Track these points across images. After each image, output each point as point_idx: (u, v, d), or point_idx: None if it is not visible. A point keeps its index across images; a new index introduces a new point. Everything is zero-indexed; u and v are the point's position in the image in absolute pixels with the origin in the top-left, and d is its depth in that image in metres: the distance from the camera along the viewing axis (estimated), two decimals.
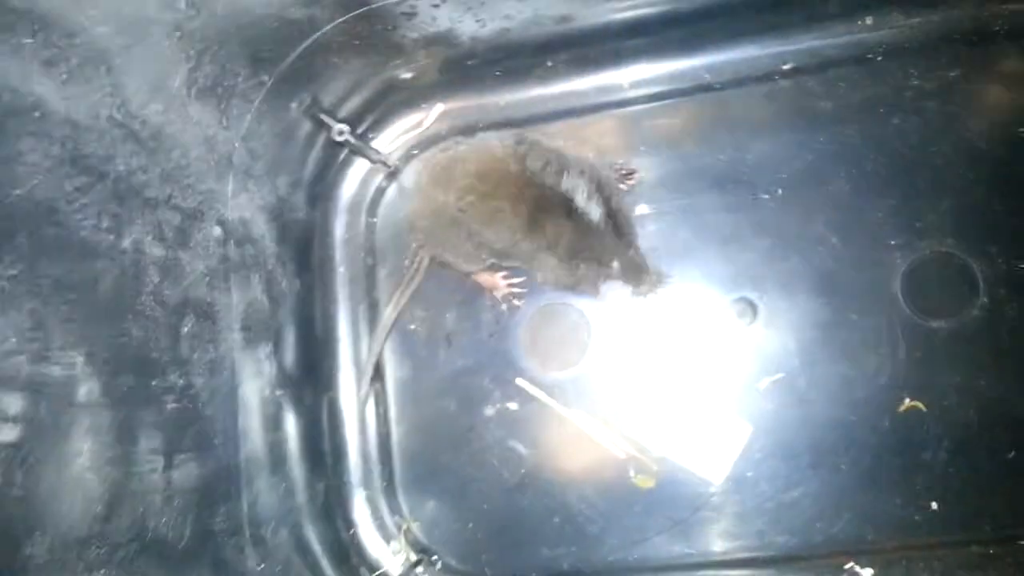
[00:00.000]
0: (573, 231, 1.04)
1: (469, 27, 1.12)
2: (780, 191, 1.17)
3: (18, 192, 0.70)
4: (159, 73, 0.89)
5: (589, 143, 1.23)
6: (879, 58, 1.15)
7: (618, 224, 1.06)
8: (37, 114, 0.73)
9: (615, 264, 1.08)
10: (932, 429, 1.11)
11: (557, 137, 1.23)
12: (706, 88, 1.21)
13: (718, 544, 1.15)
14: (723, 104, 1.21)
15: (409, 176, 1.27)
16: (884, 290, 1.13)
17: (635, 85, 1.23)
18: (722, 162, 1.19)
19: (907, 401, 1.12)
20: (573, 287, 1.14)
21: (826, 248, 1.15)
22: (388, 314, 1.23)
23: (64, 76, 0.76)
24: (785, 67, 1.18)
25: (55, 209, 0.75)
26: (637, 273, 1.10)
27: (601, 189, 1.04)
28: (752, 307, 1.17)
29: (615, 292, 1.19)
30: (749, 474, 1.15)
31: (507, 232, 1.06)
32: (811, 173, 1.16)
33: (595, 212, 1.03)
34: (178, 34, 0.89)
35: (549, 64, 1.22)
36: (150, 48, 0.86)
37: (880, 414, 1.12)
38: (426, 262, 1.21)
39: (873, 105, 1.15)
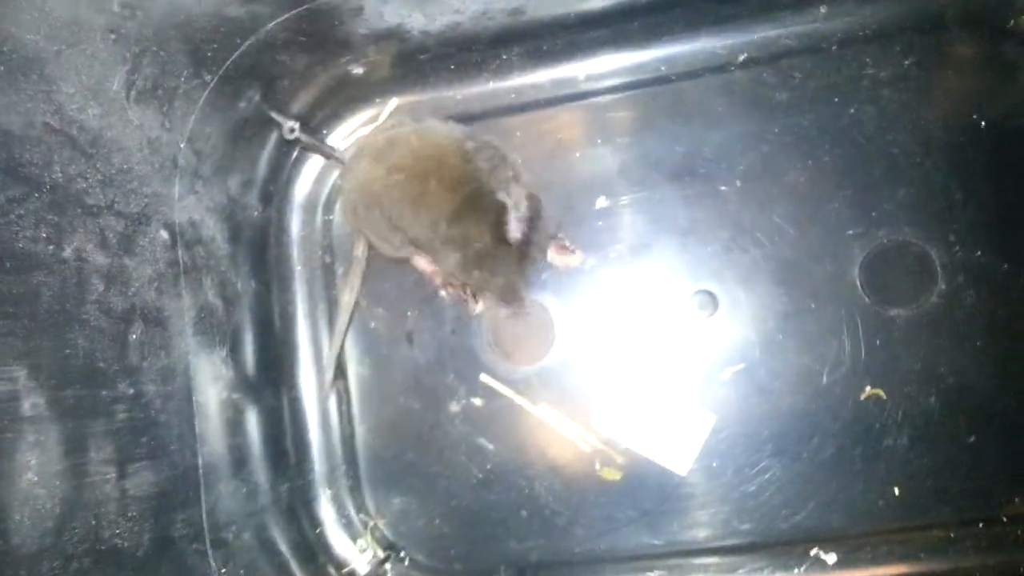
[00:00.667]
0: (491, 239, 1.04)
1: (418, 22, 1.10)
2: (738, 183, 1.17)
3: None
4: (95, 77, 0.86)
5: (547, 136, 1.22)
6: (833, 47, 1.14)
7: (524, 253, 1.07)
8: None
9: (500, 281, 1.08)
10: (893, 416, 1.12)
11: (514, 130, 1.23)
12: (663, 80, 1.20)
13: (685, 533, 1.16)
14: (680, 96, 1.20)
15: (348, 152, 1.25)
16: (843, 279, 1.13)
17: (591, 78, 1.22)
18: (679, 154, 1.19)
19: (868, 389, 1.12)
20: (456, 287, 1.19)
21: (784, 239, 1.15)
22: (345, 302, 1.21)
23: None
24: (740, 58, 1.17)
25: None
26: (511, 298, 1.11)
27: (533, 215, 1.04)
28: (712, 299, 1.17)
29: (580, 288, 1.19)
30: (714, 464, 1.16)
31: (428, 217, 1.06)
32: (768, 164, 1.16)
33: (516, 232, 1.03)
34: (113, 36, 0.86)
35: (503, 57, 1.21)
36: (84, 52, 0.84)
37: (841, 402, 1.13)
38: (364, 246, 1.21)
39: (829, 95, 1.15)
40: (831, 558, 1.11)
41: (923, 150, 1.13)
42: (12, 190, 0.76)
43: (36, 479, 0.74)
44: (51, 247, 0.80)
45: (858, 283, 1.13)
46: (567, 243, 1.18)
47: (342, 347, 1.24)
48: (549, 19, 1.14)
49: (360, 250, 1.20)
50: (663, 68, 1.20)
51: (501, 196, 1.03)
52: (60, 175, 0.83)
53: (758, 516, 1.14)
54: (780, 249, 1.15)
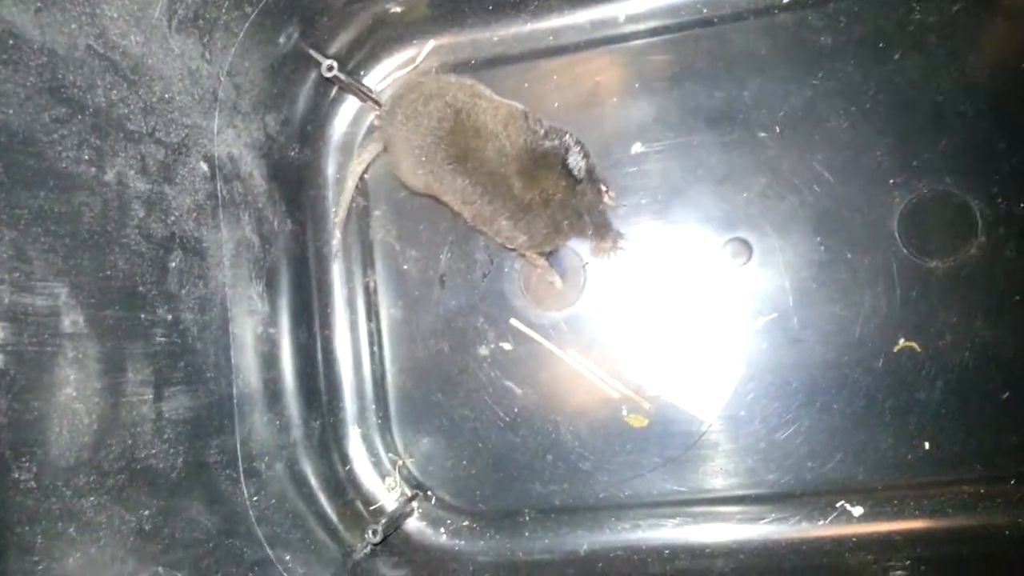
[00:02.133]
0: (566, 186, 1.04)
1: None
2: (777, 129, 1.15)
3: None
4: (138, 2, 0.87)
5: (584, 80, 1.21)
6: None
7: (594, 182, 1.07)
8: (11, 42, 0.72)
9: (592, 222, 1.08)
10: (926, 369, 1.10)
11: (551, 74, 1.22)
12: (704, 23, 1.18)
13: (710, 482, 1.16)
14: (721, 39, 1.18)
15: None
16: (881, 229, 1.12)
17: (631, 19, 1.20)
18: (718, 99, 1.17)
19: (902, 341, 1.11)
20: (536, 258, 1.16)
21: (823, 187, 1.13)
22: (352, 168, 1.24)
23: (38, 4, 0.75)
24: (785, 0, 1.15)
25: (33, 139, 0.74)
26: (605, 231, 1.11)
27: (584, 149, 1.05)
28: (747, 247, 1.16)
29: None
30: (742, 413, 1.15)
31: (493, 175, 1.04)
32: (809, 111, 1.14)
33: (583, 169, 1.03)
34: None
35: None
36: None
37: (874, 354, 1.11)
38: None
39: (874, 40, 1.12)
40: (857, 511, 1.11)
41: (968, 99, 1.10)
42: (56, 110, 0.77)
43: (75, 394, 0.76)
44: (93, 169, 0.82)
45: (897, 233, 1.11)
46: (602, 184, 1.17)
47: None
48: None
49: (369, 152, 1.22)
50: (705, 10, 1.18)
51: (547, 145, 1.03)
52: (103, 99, 0.84)
53: (784, 466, 1.14)
54: (818, 197, 1.13)
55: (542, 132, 1.05)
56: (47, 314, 0.74)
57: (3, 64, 0.71)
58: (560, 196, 1.03)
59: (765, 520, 1.13)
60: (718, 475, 1.16)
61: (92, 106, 0.82)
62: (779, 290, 1.14)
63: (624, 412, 1.18)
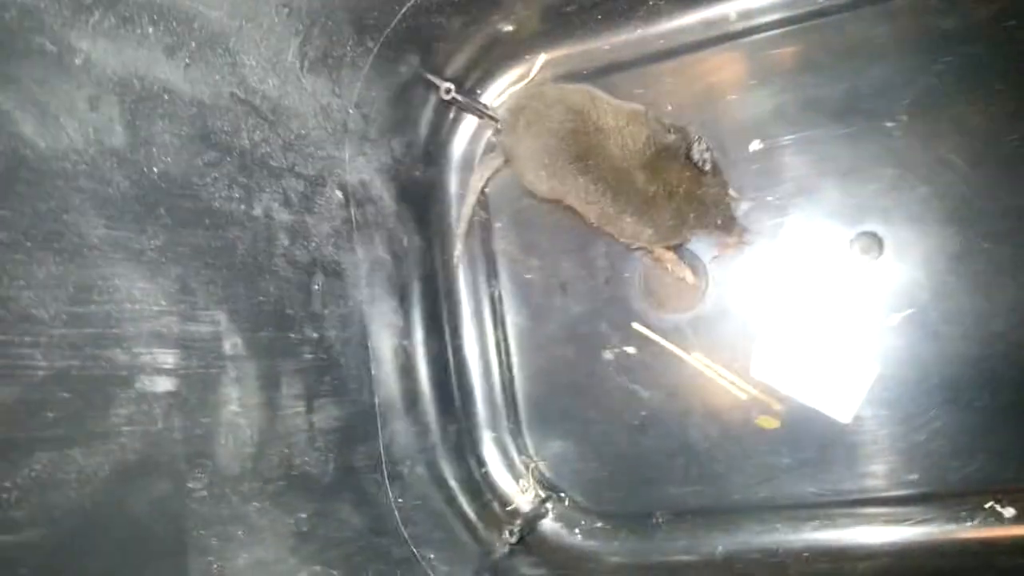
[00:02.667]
0: (691, 178, 1.06)
1: None
2: (903, 118, 1.10)
3: (156, 169, 0.79)
4: (273, 49, 0.95)
5: (698, 81, 1.21)
6: None
7: (718, 175, 1.09)
8: (166, 97, 0.81)
9: (718, 213, 1.09)
10: None
11: (664, 76, 1.22)
12: (819, 14, 1.15)
13: (848, 483, 1.13)
14: (838, 29, 1.14)
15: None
16: (1020, 217, 1.05)
17: (742, 16, 1.19)
18: (839, 91, 1.14)
19: None
20: (663, 255, 1.18)
21: (955, 175, 1.08)
22: (474, 183, 1.28)
23: (187, 60, 0.83)
24: None
25: (190, 183, 0.83)
26: (732, 224, 1.11)
27: (708, 144, 1.07)
28: (878, 241, 1.12)
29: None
30: (880, 412, 1.12)
31: (618, 170, 1.07)
32: (936, 97, 1.09)
33: (709, 162, 1.06)
34: (287, 10, 0.94)
35: (651, 3, 1.20)
36: (262, 26, 0.92)
37: (1019, 347, 1.05)
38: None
39: (1001, 19, 1.06)
40: (1008, 512, 1.05)
41: None
42: (207, 155, 0.86)
43: (238, 410, 0.85)
44: (243, 206, 0.90)
45: None
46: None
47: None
48: None
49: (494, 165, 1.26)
50: (819, 0, 1.15)
51: (670, 139, 1.05)
52: (247, 141, 0.92)
53: (926, 466, 1.10)
54: (951, 186, 1.08)
55: (664, 127, 1.07)
56: (210, 339, 0.83)
57: (160, 118, 0.80)
58: (684, 187, 1.05)
59: (909, 522, 1.10)
60: (856, 477, 1.13)
61: (238, 148, 0.91)
62: (914, 284, 1.10)
63: (754, 414, 1.17)
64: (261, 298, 0.91)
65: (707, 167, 1.06)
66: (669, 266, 1.19)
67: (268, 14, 0.93)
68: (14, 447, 0.62)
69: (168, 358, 0.77)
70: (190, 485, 0.77)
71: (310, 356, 0.97)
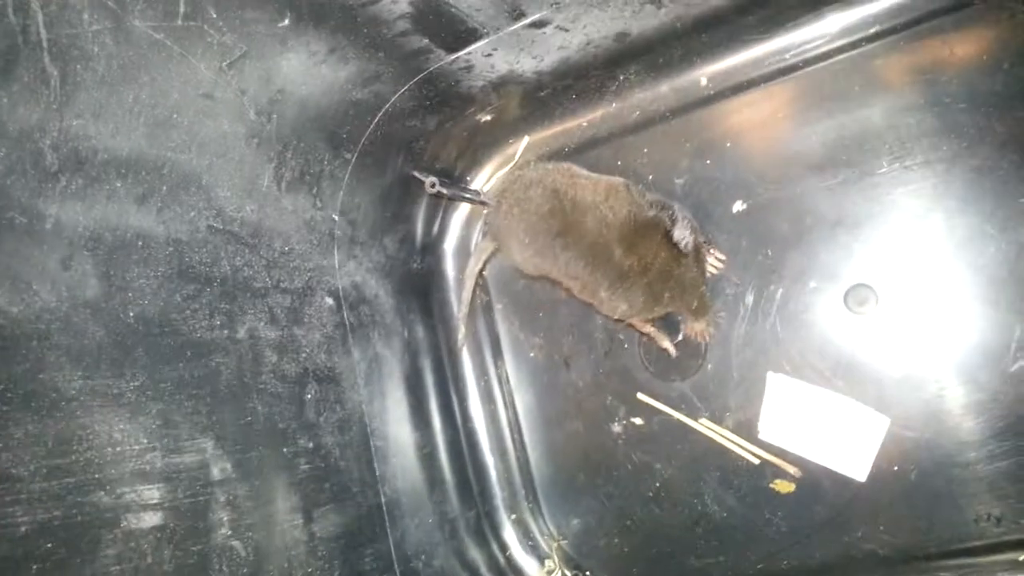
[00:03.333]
0: (666, 257, 1.06)
1: (528, 64, 1.15)
2: (884, 165, 1.09)
3: (132, 314, 0.83)
4: (247, 178, 1.00)
5: (676, 148, 1.22)
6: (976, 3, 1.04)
7: (699, 259, 1.09)
8: (140, 243, 0.86)
9: (692, 297, 1.09)
10: None
11: (642, 147, 1.24)
12: (789, 69, 1.16)
13: (872, 543, 1.09)
14: (811, 83, 1.14)
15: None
16: (1021, 254, 1.02)
17: (713, 79, 1.20)
18: (819, 143, 1.13)
19: None
20: (640, 325, 1.18)
21: (945, 219, 1.05)
22: (471, 269, 1.29)
23: (159, 205, 0.88)
24: (872, 30, 1.10)
25: (168, 320, 0.87)
26: (704, 311, 1.12)
27: (691, 221, 1.08)
28: (871, 292, 1.09)
29: (727, 295, 1.17)
30: (895, 468, 1.08)
31: (595, 245, 1.07)
32: (916, 140, 1.07)
33: (689, 243, 1.06)
34: (256, 141, 0.99)
35: (621, 78, 1.22)
36: (233, 159, 0.97)
37: None
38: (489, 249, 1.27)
39: (978, 54, 1.04)
40: None
41: None
42: (186, 289, 0.90)
43: (230, 532, 0.88)
44: (225, 331, 0.94)
45: None
46: (705, 245, 1.16)
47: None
48: (657, 32, 1.14)
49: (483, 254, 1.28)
50: (788, 56, 1.15)
51: (651, 214, 1.06)
52: (228, 267, 0.97)
53: (955, 519, 1.05)
54: (943, 229, 1.06)
55: (646, 203, 1.08)
56: (197, 468, 0.86)
57: (135, 264, 0.85)
58: (660, 264, 1.05)
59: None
60: (880, 534, 1.09)
61: (219, 276, 0.95)
62: (913, 333, 1.07)
63: (769, 478, 1.15)
64: (249, 418, 0.94)
65: (687, 248, 1.06)
66: (650, 339, 1.20)
67: (238, 148, 0.98)
68: None
69: (154, 493, 0.81)
70: None
71: (306, 467, 1.00)
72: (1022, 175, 1.02)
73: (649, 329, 1.17)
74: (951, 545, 1.05)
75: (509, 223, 1.15)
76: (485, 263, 1.31)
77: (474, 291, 1.32)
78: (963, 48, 1.05)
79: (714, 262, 1.17)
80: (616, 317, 1.12)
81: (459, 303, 1.33)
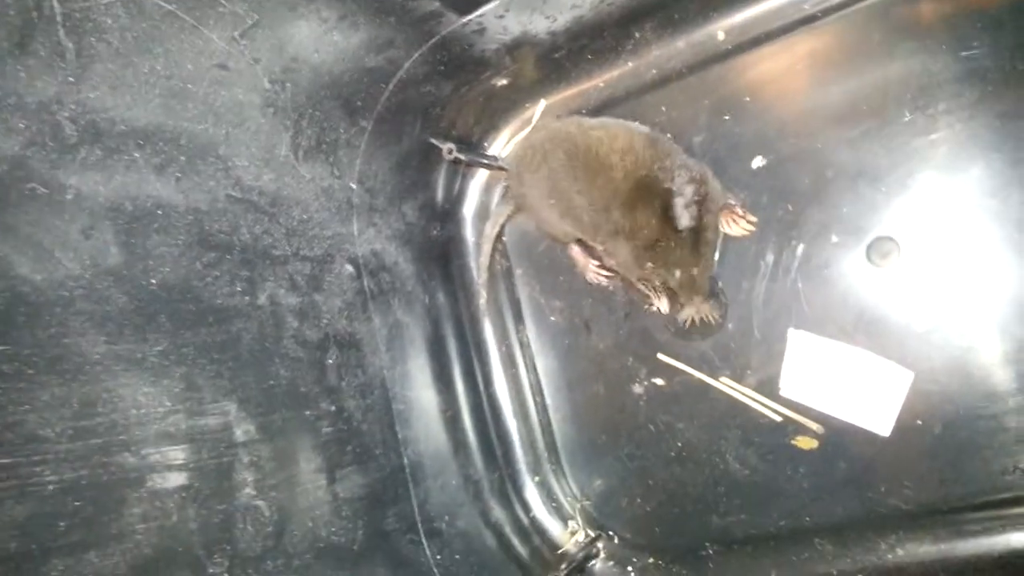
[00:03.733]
0: (658, 228, 1.05)
1: (542, 25, 1.14)
2: (907, 114, 1.06)
3: (154, 281, 0.85)
4: (264, 147, 1.01)
5: (693, 104, 1.20)
6: None
7: (699, 241, 1.06)
8: (160, 212, 0.88)
9: (677, 274, 1.07)
10: None
11: (660, 105, 1.22)
12: (809, 20, 1.13)
13: (896, 498, 1.08)
14: (831, 34, 1.12)
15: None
16: None
17: (731, 33, 1.17)
18: (837, 96, 1.11)
19: None
20: (632, 280, 1.18)
21: (970, 167, 1.03)
22: (488, 233, 1.32)
23: (177, 175, 0.90)
24: None
25: (189, 287, 0.89)
26: (690, 292, 1.10)
27: (702, 204, 1.04)
28: (894, 244, 1.08)
29: (749, 252, 1.16)
30: (920, 421, 1.07)
31: (603, 196, 1.08)
32: (939, 88, 1.04)
33: (684, 222, 1.03)
34: (271, 110, 1.00)
35: (637, 35, 1.21)
36: (249, 129, 0.98)
37: None
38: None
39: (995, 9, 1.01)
40: None
41: None
42: (206, 256, 0.92)
43: (254, 493, 0.90)
44: (246, 298, 0.96)
45: None
46: (738, 209, 1.15)
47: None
48: None
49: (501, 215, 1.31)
50: (807, 7, 1.13)
51: (667, 184, 1.05)
52: (247, 235, 0.98)
53: (977, 474, 1.04)
54: (966, 179, 1.03)
55: (664, 168, 1.06)
56: (221, 430, 0.89)
57: (156, 232, 0.87)
58: (648, 232, 1.05)
59: (965, 535, 1.04)
60: (904, 489, 1.08)
61: (239, 244, 0.97)
62: (938, 286, 1.05)
63: (791, 435, 1.14)
64: (271, 382, 0.96)
65: (681, 226, 1.04)
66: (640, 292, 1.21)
67: (254, 117, 0.99)
68: (29, 558, 0.69)
69: (178, 454, 0.84)
70: (210, 571, 0.83)
71: (329, 429, 1.02)
72: None
73: (640, 286, 1.18)
74: (977, 498, 1.04)
75: (530, 185, 1.16)
76: (503, 227, 1.32)
77: (492, 255, 1.33)
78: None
79: (745, 226, 1.15)
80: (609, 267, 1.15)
81: (478, 269, 1.34)
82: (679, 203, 1.04)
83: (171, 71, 0.87)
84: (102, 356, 0.79)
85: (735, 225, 1.15)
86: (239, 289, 0.96)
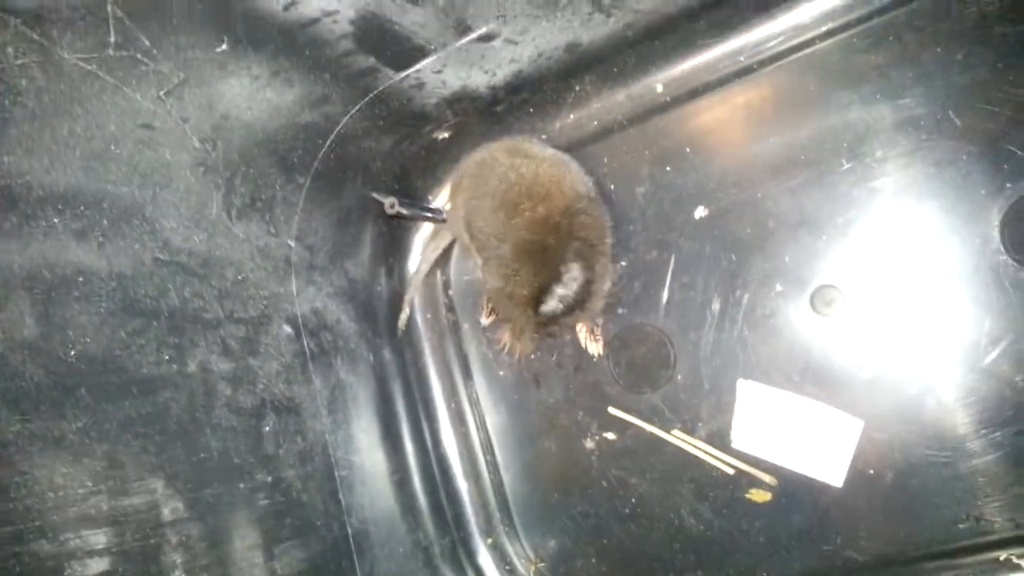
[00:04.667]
0: (527, 295, 1.06)
1: (481, 79, 1.13)
2: (844, 163, 1.07)
3: (73, 352, 0.81)
4: (194, 207, 0.97)
5: (634, 156, 1.20)
6: None
7: (545, 325, 1.08)
8: (80, 279, 0.83)
9: (514, 323, 1.11)
10: None
11: (601, 156, 1.22)
12: (745, 71, 1.14)
13: (852, 549, 1.07)
14: (768, 85, 1.13)
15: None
16: (985, 247, 1.01)
17: (669, 85, 1.18)
18: (777, 145, 1.12)
19: None
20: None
21: (907, 213, 1.04)
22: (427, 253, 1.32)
23: (99, 239, 0.86)
24: (824, 28, 1.09)
25: (112, 357, 0.85)
26: (516, 340, 1.13)
27: (577, 300, 1.05)
28: (837, 292, 1.08)
29: (694, 307, 1.15)
30: (871, 471, 1.06)
31: (502, 229, 1.08)
32: (874, 136, 1.06)
33: (547, 308, 1.05)
34: (201, 169, 0.97)
35: (577, 88, 1.21)
36: (178, 189, 0.94)
37: (1007, 382, 0.99)
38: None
39: (932, 45, 1.03)
40: None
41: None
42: (131, 324, 0.88)
43: (184, 575, 0.84)
44: (175, 366, 0.92)
45: (1002, 247, 0.99)
46: (597, 330, 1.20)
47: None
48: (610, 41, 1.13)
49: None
50: (742, 58, 1.14)
51: (564, 266, 1.04)
52: (176, 300, 0.94)
53: (934, 522, 1.03)
54: (905, 225, 1.04)
55: (572, 246, 1.05)
56: (146, 509, 0.83)
57: (75, 301, 0.82)
58: (511, 291, 1.06)
59: None
60: (860, 540, 1.07)
61: (166, 310, 0.92)
62: (882, 332, 1.06)
63: (744, 488, 1.12)
64: (202, 455, 0.91)
65: (541, 310, 1.05)
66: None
67: (183, 177, 0.95)
68: None
69: (100, 538, 0.78)
70: None
71: (265, 502, 0.97)
72: (981, 167, 1.00)
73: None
74: (931, 548, 1.03)
75: (466, 194, 1.17)
76: (446, 251, 1.31)
77: (432, 274, 1.33)
78: (916, 41, 1.04)
79: (593, 348, 1.20)
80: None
81: (413, 281, 1.33)
82: (559, 292, 1.04)
83: (92, 133, 0.84)
84: (15, 436, 0.74)
85: (589, 340, 1.20)
86: (166, 357, 0.91)
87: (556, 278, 1.03)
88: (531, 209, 1.06)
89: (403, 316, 1.31)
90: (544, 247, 1.04)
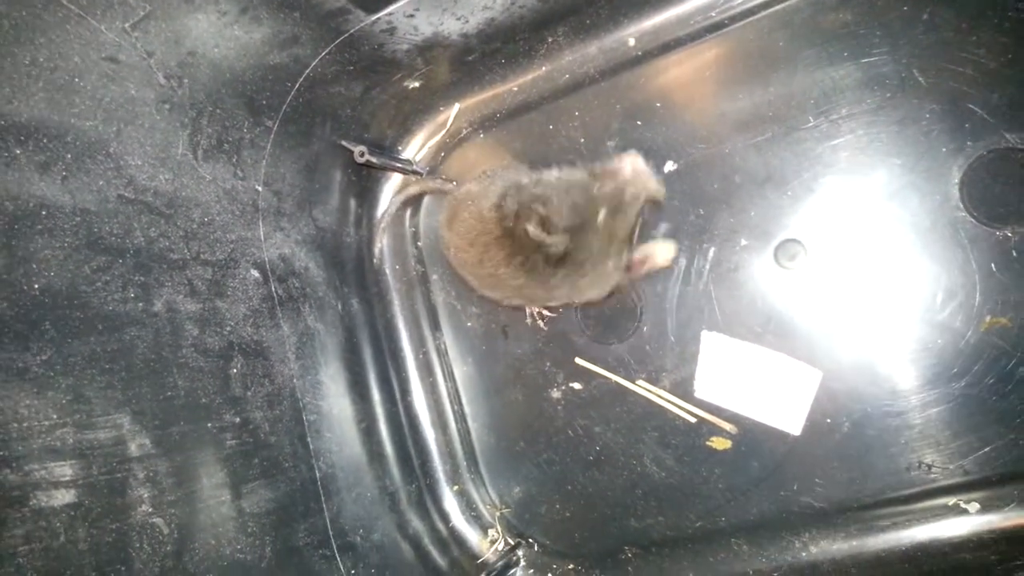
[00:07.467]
0: (543, 259, 1.05)
1: (453, 26, 1.12)
2: (811, 119, 1.09)
3: (37, 286, 0.80)
4: (159, 145, 0.96)
5: (605, 110, 1.20)
6: None
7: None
8: (44, 213, 0.82)
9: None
10: (1021, 344, 1.00)
11: (573, 110, 1.22)
12: (716, 27, 1.15)
13: (808, 496, 1.10)
14: (737, 40, 1.13)
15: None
16: (944, 203, 1.03)
17: (641, 39, 1.18)
18: (746, 101, 1.13)
19: (988, 319, 1.01)
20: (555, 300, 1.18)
21: (871, 169, 1.06)
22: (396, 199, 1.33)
23: (63, 173, 0.84)
24: None
25: (76, 292, 0.84)
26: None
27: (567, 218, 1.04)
28: (800, 246, 1.10)
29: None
30: (828, 420, 1.09)
31: (492, 263, 1.09)
32: (840, 93, 1.07)
33: (559, 246, 1.04)
34: (167, 107, 0.95)
35: (550, 40, 1.20)
36: (143, 126, 0.93)
37: (961, 336, 1.02)
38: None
39: (898, 4, 1.04)
40: (973, 507, 1.02)
41: (1016, 43, 0.99)
42: (96, 261, 0.87)
43: (151, 510, 0.85)
44: (140, 304, 0.91)
45: (961, 204, 1.02)
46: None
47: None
48: None
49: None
50: (713, 13, 1.15)
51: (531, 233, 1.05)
52: (141, 239, 0.93)
53: (885, 470, 1.06)
54: (868, 181, 1.06)
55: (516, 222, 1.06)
56: (113, 444, 0.83)
57: (39, 235, 0.81)
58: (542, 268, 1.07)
59: (876, 531, 1.06)
60: (816, 487, 1.10)
61: (132, 248, 0.91)
62: (842, 286, 1.08)
63: (705, 436, 1.15)
64: (169, 393, 0.91)
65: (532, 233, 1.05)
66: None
67: (148, 114, 0.94)
68: None
69: (66, 470, 0.78)
70: None
71: (233, 442, 0.97)
72: (944, 126, 1.02)
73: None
74: (885, 494, 1.06)
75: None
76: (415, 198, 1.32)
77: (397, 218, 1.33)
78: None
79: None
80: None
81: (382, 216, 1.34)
82: (531, 228, 1.04)
83: (55, 63, 0.82)
84: None
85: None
86: (132, 295, 0.90)
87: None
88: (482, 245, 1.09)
89: (376, 247, 1.34)
90: (511, 239, 1.06)
